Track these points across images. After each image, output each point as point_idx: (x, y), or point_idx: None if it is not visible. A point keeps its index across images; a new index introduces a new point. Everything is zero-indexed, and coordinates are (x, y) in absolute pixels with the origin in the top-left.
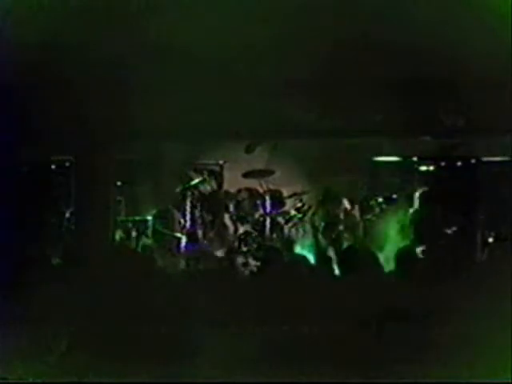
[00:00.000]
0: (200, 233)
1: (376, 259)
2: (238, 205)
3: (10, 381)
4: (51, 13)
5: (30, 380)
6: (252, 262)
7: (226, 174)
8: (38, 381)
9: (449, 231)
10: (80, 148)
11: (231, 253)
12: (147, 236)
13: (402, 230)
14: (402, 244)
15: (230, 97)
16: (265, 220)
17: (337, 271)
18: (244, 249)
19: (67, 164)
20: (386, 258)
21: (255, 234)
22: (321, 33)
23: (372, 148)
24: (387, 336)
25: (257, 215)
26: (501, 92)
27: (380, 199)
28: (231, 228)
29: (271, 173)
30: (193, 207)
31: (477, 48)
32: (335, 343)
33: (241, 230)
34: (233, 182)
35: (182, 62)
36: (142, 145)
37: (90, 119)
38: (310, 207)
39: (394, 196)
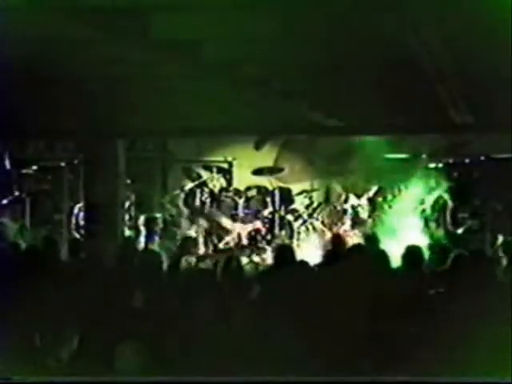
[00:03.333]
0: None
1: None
2: (247, 202)
3: (12, 381)
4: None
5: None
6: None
7: (236, 171)
8: (40, 380)
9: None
10: (89, 145)
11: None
12: (157, 234)
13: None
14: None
15: (240, 94)
16: (274, 217)
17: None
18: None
19: (76, 161)
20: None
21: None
22: (330, 31)
23: (381, 145)
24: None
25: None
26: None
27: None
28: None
29: (281, 170)
30: (202, 204)
31: (486, 45)
32: None
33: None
34: (242, 179)
35: (190, 59)
36: (150, 142)
37: (98, 116)
38: (319, 204)
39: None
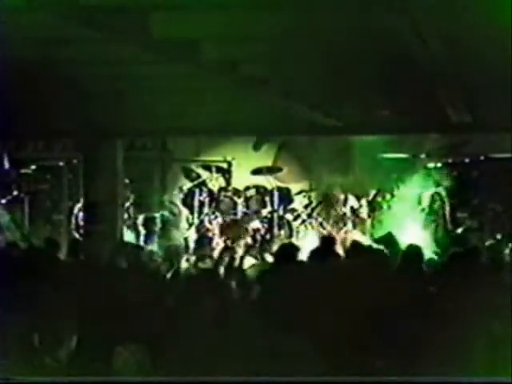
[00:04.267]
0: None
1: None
2: (246, 202)
3: (12, 381)
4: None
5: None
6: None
7: (235, 171)
8: (41, 380)
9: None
10: (87, 145)
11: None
12: (156, 234)
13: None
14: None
15: (239, 94)
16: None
17: None
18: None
19: (75, 161)
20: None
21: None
22: (330, 31)
23: (380, 145)
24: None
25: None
26: (510, 88)
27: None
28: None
29: (279, 170)
30: (201, 204)
31: (486, 44)
32: None
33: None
34: (241, 178)
35: (190, 58)
36: (149, 142)
37: (97, 116)
38: (318, 204)
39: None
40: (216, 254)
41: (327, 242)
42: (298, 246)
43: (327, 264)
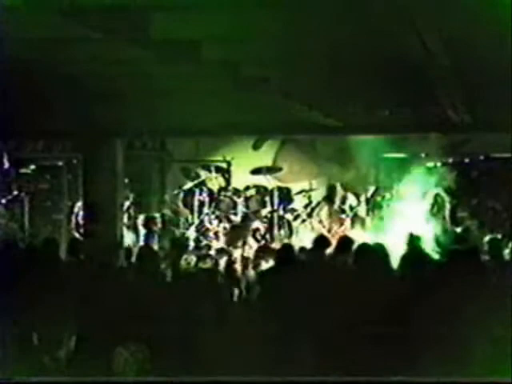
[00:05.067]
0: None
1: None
2: (246, 201)
3: (13, 381)
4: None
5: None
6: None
7: (234, 171)
8: (42, 380)
9: (458, 228)
10: (87, 145)
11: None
12: (156, 233)
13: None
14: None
15: (239, 94)
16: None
17: None
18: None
19: (74, 161)
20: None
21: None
22: (331, 31)
23: (380, 145)
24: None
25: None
26: (510, 88)
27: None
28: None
29: (279, 169)
30: (201, 204)
31: (486, 44)
32: None
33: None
34: (241, 178)
35: (190, 58)
36: (149, 142)
37: (97, 116)
38: (318, 203)
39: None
40: (215, 256)
41: (320, 242)
42: (294, 247)
43: (318, 264)
